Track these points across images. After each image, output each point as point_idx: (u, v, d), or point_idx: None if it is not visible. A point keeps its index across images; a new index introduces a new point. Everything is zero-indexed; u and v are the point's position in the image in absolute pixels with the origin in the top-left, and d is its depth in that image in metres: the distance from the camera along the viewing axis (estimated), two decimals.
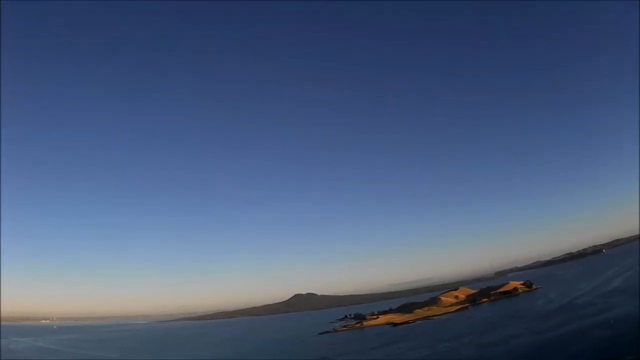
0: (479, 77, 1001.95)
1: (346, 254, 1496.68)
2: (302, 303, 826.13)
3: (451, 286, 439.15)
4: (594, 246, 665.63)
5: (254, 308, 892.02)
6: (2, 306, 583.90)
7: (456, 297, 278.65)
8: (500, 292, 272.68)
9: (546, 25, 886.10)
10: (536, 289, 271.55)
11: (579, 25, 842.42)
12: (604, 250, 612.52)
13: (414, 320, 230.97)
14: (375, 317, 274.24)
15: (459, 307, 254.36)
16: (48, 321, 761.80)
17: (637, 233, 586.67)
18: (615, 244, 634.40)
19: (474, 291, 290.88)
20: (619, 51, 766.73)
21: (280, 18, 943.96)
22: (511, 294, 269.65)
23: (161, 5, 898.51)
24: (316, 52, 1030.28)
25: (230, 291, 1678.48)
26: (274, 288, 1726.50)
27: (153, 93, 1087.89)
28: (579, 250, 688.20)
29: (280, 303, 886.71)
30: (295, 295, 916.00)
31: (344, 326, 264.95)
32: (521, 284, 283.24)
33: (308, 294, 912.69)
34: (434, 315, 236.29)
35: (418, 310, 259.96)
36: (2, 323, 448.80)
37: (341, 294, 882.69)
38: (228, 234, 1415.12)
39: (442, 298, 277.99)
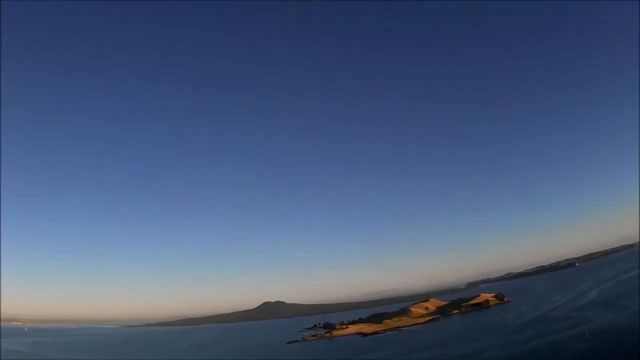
0: (478, 78, 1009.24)
1: (316, 263, 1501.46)
2: (271, 311, 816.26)
3: (421, 297, 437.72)
4: (567, 259, 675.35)
5: (223, 315, 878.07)
6: None
7: (426, 308, 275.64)
8: (472, 304, 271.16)
9: (546, 25, 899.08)
10: (508, 301, 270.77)
11: (579, 25, 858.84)
12: (577, 264, 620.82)
13: (384, 331, 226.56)
14: (344, 326, 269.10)
15: (429, 318, 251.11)
16: (19, 323, 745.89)
17: (612, 247, 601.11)
18: (589, 258, 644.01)
19: (444, 302, 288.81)
20: (619, 51, 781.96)
21: (280, 23, 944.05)
22: (482, 306, 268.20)
23: (161, 6, 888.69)
24: (317, 57, 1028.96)
25: (200, 297, 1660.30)
26: (243, 295, 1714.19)
27: (152, 95, 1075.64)
28: (551, 263, 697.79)
29: (249, 310, 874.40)
30: (265, 303, 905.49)
31: (313, 335, 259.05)
32: (493, 296, 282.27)
33: (277, 302, 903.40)
34: (403, 326, 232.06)
35: (388, 320, 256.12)
36: None
37: (310, 303, 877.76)
38: (198, 242, 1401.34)
39: (412, 309, 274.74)
